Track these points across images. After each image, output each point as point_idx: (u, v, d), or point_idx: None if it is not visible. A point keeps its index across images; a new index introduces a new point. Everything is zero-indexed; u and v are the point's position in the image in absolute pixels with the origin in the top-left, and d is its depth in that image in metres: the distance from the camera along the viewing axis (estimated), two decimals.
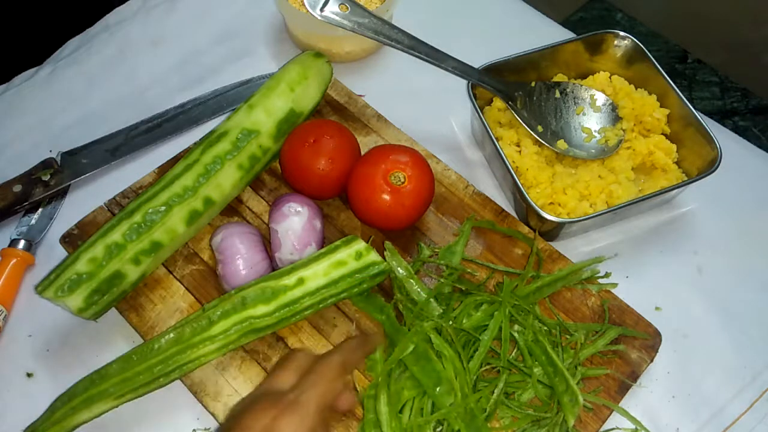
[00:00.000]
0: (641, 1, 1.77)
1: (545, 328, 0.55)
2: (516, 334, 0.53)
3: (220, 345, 0.52)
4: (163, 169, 0.66)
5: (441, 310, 0.55)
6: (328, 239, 0.61)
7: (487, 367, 0.53)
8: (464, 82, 0.65)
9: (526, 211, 0.63)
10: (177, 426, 0.55)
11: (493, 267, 0.59)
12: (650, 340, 0.56)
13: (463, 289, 0.56)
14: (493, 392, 0.51)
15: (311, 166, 0.59)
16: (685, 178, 0.65)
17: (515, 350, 0.54)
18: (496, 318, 0.53)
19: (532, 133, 0.66)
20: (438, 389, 0.51)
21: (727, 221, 0.67)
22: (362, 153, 0.61)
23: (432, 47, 0.62)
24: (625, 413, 0.52)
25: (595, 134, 0.68)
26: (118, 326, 0.59)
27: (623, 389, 0.54)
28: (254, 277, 0.55)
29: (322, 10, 0.61)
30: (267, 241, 0.60)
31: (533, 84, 0.68)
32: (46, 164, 0.67)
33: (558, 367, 0.51)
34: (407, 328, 0.54)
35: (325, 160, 0.59)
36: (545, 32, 0.80)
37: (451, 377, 0.50)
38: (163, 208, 0.56)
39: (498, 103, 0.69)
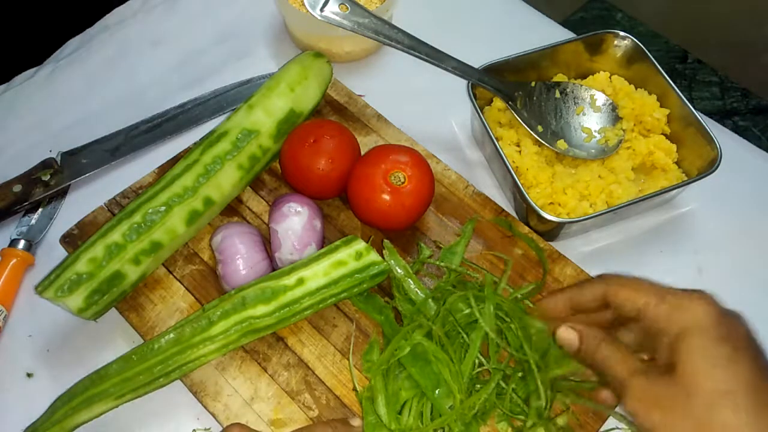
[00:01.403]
0: (641, 1, 1.78)
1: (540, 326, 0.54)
2: (508, 334, 0.53)
3: (220, 345, 0.52)
4: (163, 169, 0.66)
5: (437, 311, 0.55)
6: (328, 239, 0.61)
7: (482, 368, 0.52)
8: (464, 82, 0.65)
9: (526, 211, 0.63)
10: (177, 426, 0.55)
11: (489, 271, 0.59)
12: None
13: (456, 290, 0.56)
14: (488, 392, 0.51)
15: (311, 166, 0.59)
16: (685, 178, 0.65)
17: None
18: (483, 316, 0.52)
19: (532, 133, 0.66)
20: (437, 392, 0.50)
21: (727, 221, 0.67)
22: (362, 153, 0.61)
23: (432, 47, 0.62)
24: (621, 417, 0.51)
25: (595, 134, 0.68)
26: (118, 326, 0.59)
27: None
28: (254, 277, 0.55)
29: (322, 10, 0.61)
30: (267, 241, 0.60)
31: (533, 84, 0.68)
32: (46, 164, 0.67)
33: (530, 366, 0.49)
34: (408, 329, 0.54)
35: (325, 160, 0.59)
36: (545, 32, 0.80)
37: (448, 380, 0.50)
38: (163, 208, 0.56)
39: (498, 103, 0.69)
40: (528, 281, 0.59)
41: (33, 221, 0.66)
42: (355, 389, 0.54)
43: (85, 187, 0.69)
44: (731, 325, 0.38)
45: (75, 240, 0.61)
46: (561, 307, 0.48)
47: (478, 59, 0.66)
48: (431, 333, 0.53)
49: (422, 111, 0.73)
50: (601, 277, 0.46)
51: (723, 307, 0.39)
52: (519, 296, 0.57)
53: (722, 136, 0.65)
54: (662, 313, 0.40)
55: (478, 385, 0.52)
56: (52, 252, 0.64)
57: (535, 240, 0.61)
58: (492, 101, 0.70)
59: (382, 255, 0.57)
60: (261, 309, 0.52)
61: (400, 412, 0.51)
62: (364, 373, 0.54)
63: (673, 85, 0.67)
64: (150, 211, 0.56)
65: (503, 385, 0.51)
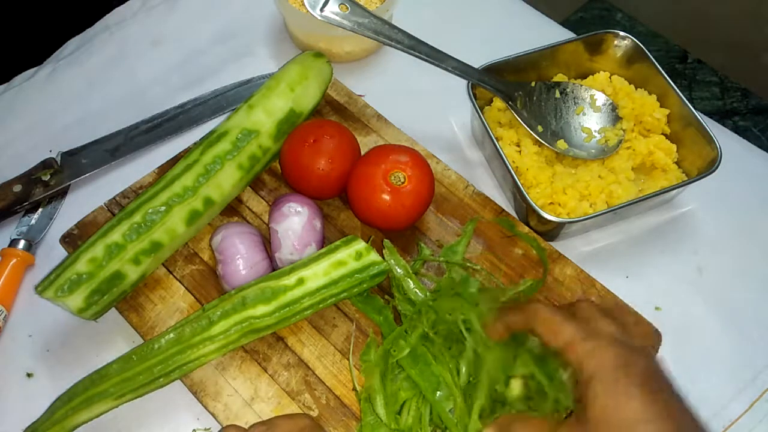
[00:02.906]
0: (641, 1, 1.78)
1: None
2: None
3: (220, 345, 0.52)
4: (163, 169, 0.66)
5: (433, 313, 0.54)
6: (328, 239, 0.61)
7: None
8: (464, 82, 0.65)
9: (526, 211, 0.63)
10: (177, 426, 0.55)
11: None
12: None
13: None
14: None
15: (311, 166, 0.59)
16: (685, 178, 0.65)
17: None
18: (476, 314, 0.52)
19: (532, 133, 0.66)
20: (438, 394, 0.50)
21: (727, 221, 0.67)
22: (362, 153, 0.61)
23: (432, 47, 0.62)
24: None
25: (595, 134, 0.68)
26: (118, 326, 0.59)
27: None
28: (254, 277, 0.55)
29: (322, 10, 0.61)
30: (267, 241, 0.60)
31: (533, 84, 0.68)
32: (46, 164, 0.67)
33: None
34: (404, 329, 0.54)
35: (325, 160, 0.59)
36: (545, 32, 0.80)
37: (450, 383, 0.50)
38: (163, 208, 0.56)
39: (498, 103, 0.69)
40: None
41: (33, 221, 0.66)
42: (354, 389, 0.54)
43: (85, 187, 0.69)
44: (631, 364, 0.40)
45: (75, 240, 0.61)
46: (501, 332, 0.48)
47: (478, 59, 0.66)
48: (425, 334, 0.53)
49: (422, 111, 0.73)
50: (528, 305, 0.47)
51: (625, 347, 0.41)
52: (518, 293, 0.57)
53: (722, 136, 0.65)
54: (575, 359, 0.41)
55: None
56: (52, 252, 0.64)
57: (536, 239, 0.61)
58: (492, 101, 0.70)
59: (382, 255, 0.57)
60: (261, 309, 0.52)
61: (399, 412, 0.51)
62: (362, 374, 0.54)
63: (673, 85, 0.67)
64: (150, 211, 0.56)
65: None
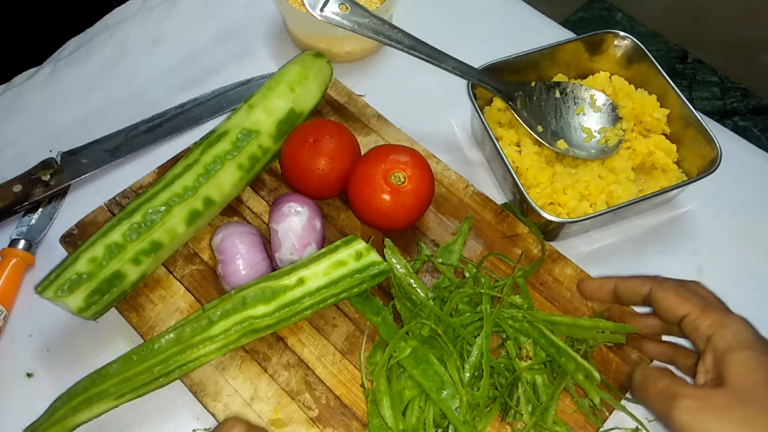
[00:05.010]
0: (641, 1, 1.78)
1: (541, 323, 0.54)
2: (505, 326, 0.53)
3: (220, 345, 0.52)
4: (163, 169, 0.66)
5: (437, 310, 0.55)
6: (328, 239, 0.61)
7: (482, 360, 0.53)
8: (464, 82, 0.65)
9: (526, 211, 0.63)
10: (177, 426, 0.55)
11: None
12: None
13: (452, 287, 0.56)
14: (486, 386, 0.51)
15: (311, 166, 0.59)
16: (685, 178, 0.65)
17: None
18: (486, 316, 0.53)
19: (532, 133, 0.66)
20: (443, 393, 0.50)
21: (727, 221, 0.67)
22: (362, 153, 0.61)
23: (432, 47, 0.62)
24: (626, 411, 0.52)
25: (595, 134, 0.68)
26: (118, 326, 0.59)
27: (623, 389, 0.54)
28: (254, 277, 0.55)
29: (322, 10, 0.61)
30: (267, 241, 0.60)
31: (533, 84, 0.68)
32: (46, 164, 0.67)
33: (561, 347, 0.51)
34: (404, 330, 0.54)
35: (325, 160, 0.59)
36: (545, 32, 0.80)
37: (457, 383, 0.50)
38: (163, 208, 0.56)
39: (498, 103, 0.69)
40: (529, 280, 0.59)
41: (33, 221, 0.66)
42: (362, 385, 0.53)
43: (85, 187, 0.69)
44: (760, 339, 0.42)
45: (75, 240, 0.61)
46: (605, 291, 0.51)
47: (478, 59, 0.66)
48: (432, 333, 0.53)
49: (422, 111, 0.73)
50: (650, 277, 0.49)
51: (747, 322, 0.43)
52: (519, 274, 0.58)
53: (722, 136, 0.65)
54: (703, 327, 0.43)
55: (479, 383, 0.52)
56: (52, 252, 0.64)
57: (535, 226, 0.61)
58: (492, 101, 0.70)
59: (382, 255, 0.57)
60: (261, 309, 0.52)
61: (404, 412, 0.51)
62: (368, 376, 0.54)
63: (673, 85, 0.67)
64: (150, 211, 0.56)
65: (502, 380, 0.52)
